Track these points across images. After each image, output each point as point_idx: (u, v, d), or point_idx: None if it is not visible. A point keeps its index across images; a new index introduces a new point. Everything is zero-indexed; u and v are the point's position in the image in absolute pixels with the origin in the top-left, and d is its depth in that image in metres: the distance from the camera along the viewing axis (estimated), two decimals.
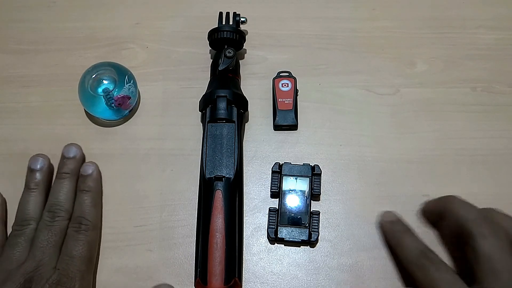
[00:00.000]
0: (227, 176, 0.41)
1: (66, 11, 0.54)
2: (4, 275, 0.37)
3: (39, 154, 0.44)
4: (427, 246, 0.38)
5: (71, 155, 0.44)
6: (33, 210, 0.41)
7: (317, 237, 0.42)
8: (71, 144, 0.45)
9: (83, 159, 0.45)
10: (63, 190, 0.42)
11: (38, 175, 0.43)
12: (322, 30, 0.52)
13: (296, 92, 0.47)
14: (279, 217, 0.42)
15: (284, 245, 0.43)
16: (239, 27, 0.49)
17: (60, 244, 0.39)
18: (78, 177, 0.43)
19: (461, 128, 0.47)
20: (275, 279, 0.41)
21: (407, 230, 0.40)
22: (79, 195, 0.42)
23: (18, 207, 0.42)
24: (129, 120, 0.48)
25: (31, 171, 0.43)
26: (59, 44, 0.52)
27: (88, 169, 0.44)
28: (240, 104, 0.45)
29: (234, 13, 0.49)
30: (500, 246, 0.35)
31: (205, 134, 0.43)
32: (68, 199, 0.41)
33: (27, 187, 0.43)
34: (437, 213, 0.41)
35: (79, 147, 0.45)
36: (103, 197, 0.44)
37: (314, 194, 0.43)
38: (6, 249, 0.39)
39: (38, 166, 0.43)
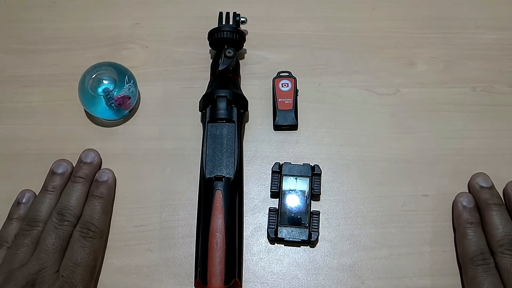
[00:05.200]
0: (227, 176, 0.41)
1: (66, 11, 0.54)
2: (6, 275, 0.37)
3: (63, 159, 0.44)
4: (487, 248, 0.39)
5: (88, 160, 0.44)
6: (45, 212, 0.41)
7: (317, 237, 0.42)
8: (90, 149, 0.45)
9: (99, 166, 0.45)
10: (76, 194, 0.42)
11: (58, 179, 0.43)
12: (322, 30, 0.52)
13: (296, 92, 0.47)
14: (279, 217, 0.42)
15: (284, 245, 0.43)
16: (239, 27, 0.49)
17: (65, 249, 0.39)
18: (92, 183, 0.43)
19: (461, 128, 0.47)
20: (275, 279, 0.41)
21: (478, 223, 0.41)
22: (91, 199, 0.42)
23: (31, 205, 0.42)
24: (129, 120, 0.48)
25: (52, 173, 0.43)
26: (59, 44, 0.52)
27: (104, 176, 0.44)
28: (240, 104, 0.45)
29: (234, 13, 0.49)
30: None
31: (205, 134, 0.43)
32: (79, 204, 0.41)
33: (44, 188, 0.43)
34: None
35: (98, 154, 0.45)
36: None
37: (314, 194, 0.43)
38: (11, 248, 0.39)
39: (60, 171, 0.43)
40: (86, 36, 0.52)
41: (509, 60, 0.50)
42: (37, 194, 0.43)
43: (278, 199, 0.43)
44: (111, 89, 0.45)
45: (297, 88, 0.48)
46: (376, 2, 0.54)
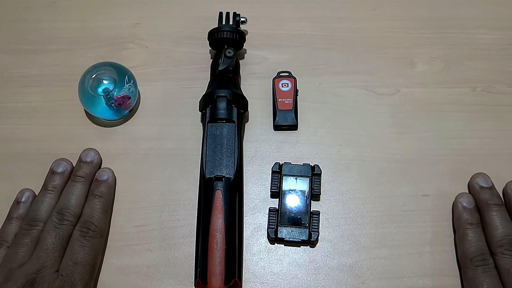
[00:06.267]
0: (227, 176, 0.41)
1: (66, 11, 0.54)
2: (6, 274, 0.37)
3: (63, 158, 0.44)
4: (487, 248, 0.39)
5: (89, 159, 0.44)
6: (45, 212, 0.41)
7: (317, 237, 0.42)
8: (90, 149, 0.45)
9: (99, 166, 0.45)
10: (76, 193, 0.42)
11: (58, 179, 0.43)
12: (322, 30, 0.52)
13: (296, 92, 0.48)
14: (279, 217, 0.42)
15: (284, 245, 0.43)
16: (239, 27, 0.49)
17: (65, 248, 0.39)
18: (92, 182, 0.43)
19: (461, 128, 0.47)
20: (275, 279, 0.41)
21: (478, 224, 0.41)
22: (91, 199, 0.42)
23: (31, 205, 0.42)
24: (129, 120, 0.48)
25: (52, 172, 0.43)
26: (59, 44, 0.52)
27: (104, 175, 0.44)
28: (240, 104, 0.45)
29: (234, 13, 0.49)
30: None
31: (205, 134, 0.43)
32: (79, 203, 0.41)
33: (44, 188, 0.43)
34: None
35: (98, 153, 0.45)
36: None
37: (314, 194, 0.43)
38: (11, 248, 0.39)
39: (60, 170, 0.43)
40: (86, 36, 0.52)
41: (509, 60, 0.50)
42: (37, 194, 0.43)
43: (278, 199, 0.43)
44: (111, 89, 0.45)
45: (297, 88, 0.48)
46: (376, 2, 0.54)
